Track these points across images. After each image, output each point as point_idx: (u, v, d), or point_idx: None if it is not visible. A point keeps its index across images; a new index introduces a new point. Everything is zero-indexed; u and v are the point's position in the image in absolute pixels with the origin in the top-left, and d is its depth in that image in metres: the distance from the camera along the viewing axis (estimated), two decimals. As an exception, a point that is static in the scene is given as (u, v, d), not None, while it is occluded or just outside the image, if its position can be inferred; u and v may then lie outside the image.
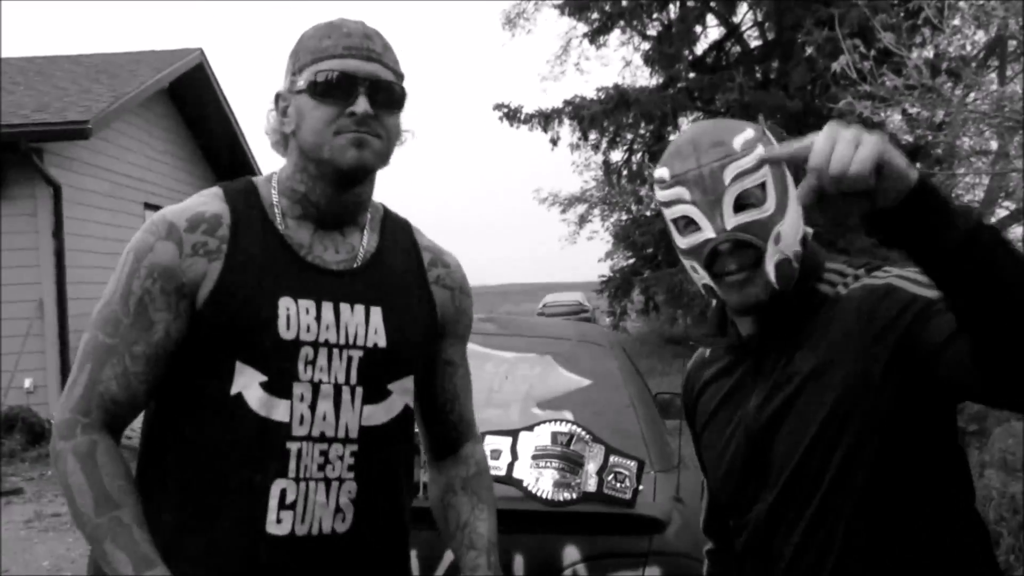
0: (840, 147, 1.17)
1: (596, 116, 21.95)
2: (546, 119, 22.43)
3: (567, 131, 22.61)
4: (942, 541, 1.47)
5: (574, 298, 31.28)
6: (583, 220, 27.88)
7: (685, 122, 22.90)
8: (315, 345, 1.61)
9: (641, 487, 2.58)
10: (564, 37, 24.99)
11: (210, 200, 1.69)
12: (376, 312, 1.67)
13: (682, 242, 1.55)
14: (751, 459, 1.56)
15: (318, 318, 1.62)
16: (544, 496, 2.55)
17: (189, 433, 1.61)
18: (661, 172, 1.55)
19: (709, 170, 1.49)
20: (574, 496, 2.55)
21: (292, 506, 1.58)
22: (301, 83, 1.65)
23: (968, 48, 10.03)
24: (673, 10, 22.86)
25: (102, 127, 11.48)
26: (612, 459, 2.58)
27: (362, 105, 1.61)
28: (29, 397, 10.55)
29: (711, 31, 23.27)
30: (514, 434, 2.65)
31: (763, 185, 1.49)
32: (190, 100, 14.95)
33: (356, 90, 1.61)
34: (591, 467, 2.58)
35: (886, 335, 1.43)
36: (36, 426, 10.02)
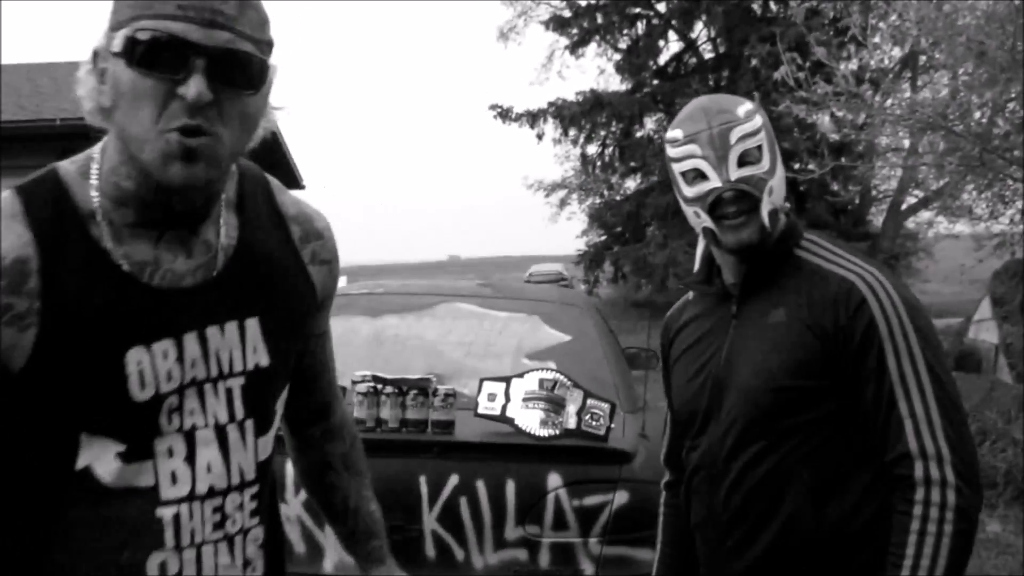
0: None
1: (575, 115, 21.99)
2: (533, 118, 22.45)
3: (550, 128, 22.63)
4: (878, 481, 1.46)
5: (555, 268, 31.19)
6: (563, 203, 27.75)
7: (650, 122, 22.92)
8: (180, 390, 1.08)
9: (613, 425, 2.59)
10: (549, 48, 24.82)
11: (8, 229, 1.02)
12: (252, 325, 1.14)
13: (689, 191, 1.55)
14: (716, 386, 1.57)
15: (180, 359, 1.08)
16: (532, 432, 2.57)
17: (38, 521, 1.08)
18: (675, 133, 1.57)
19: (718, 131, 1.51)
20: (557, 432, 2.57)
21: None
22: (117, 44, 1.00)
23: (886, 61, 10.02)
24: (640, 27, 22.87)
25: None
26: (589, 402, 2.60)
27: (195, 87, 0.98)
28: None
29: (672, 45, 23.25)
30: (507, 380, 2.66)
31: (760, 147, 1.53)
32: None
33: (189, 65, 0.98)
34: (571, 408, 2.59)
35: (838, 334, 1.46)
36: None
